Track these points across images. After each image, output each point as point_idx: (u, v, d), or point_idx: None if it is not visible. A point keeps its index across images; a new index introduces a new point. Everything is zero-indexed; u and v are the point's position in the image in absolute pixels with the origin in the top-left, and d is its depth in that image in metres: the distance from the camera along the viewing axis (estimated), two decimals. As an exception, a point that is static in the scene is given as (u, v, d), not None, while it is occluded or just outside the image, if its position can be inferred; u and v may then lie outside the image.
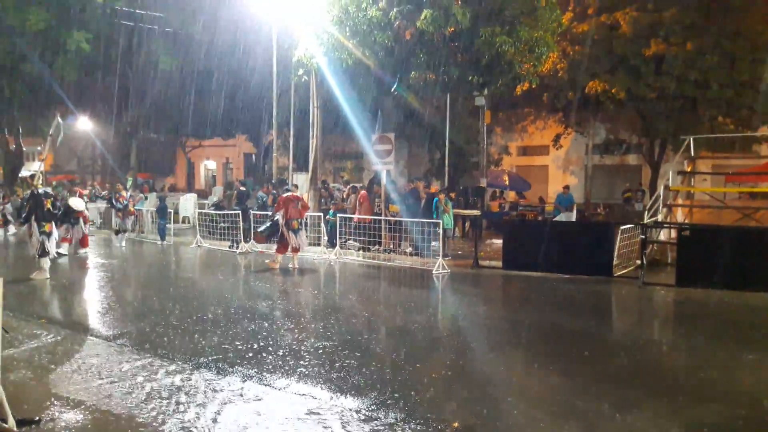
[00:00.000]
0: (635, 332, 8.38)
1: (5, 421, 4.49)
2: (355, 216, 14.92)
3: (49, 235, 11.35)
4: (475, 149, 22.76)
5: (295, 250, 13.13)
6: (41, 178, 13.65)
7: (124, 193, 18.61)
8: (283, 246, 13.11)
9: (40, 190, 11.66)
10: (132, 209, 18.42)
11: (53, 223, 11.73)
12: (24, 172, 32.60)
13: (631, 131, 25.08)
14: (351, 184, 18.90)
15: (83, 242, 15.06)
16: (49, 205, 11.51)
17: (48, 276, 11.14)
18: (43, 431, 4.54)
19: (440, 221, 13.36)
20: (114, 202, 18.18)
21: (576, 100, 21.88)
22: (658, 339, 8.12)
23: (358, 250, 14.73)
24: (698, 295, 10.23)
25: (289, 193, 13.59)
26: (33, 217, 11.31)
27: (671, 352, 7.19)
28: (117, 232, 17.88)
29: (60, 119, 12.66)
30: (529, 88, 18.45)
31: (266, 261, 13.51)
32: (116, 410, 4.98)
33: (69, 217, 14.45)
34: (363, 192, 15.84)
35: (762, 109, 19.68)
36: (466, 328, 8.15)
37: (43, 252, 11.24)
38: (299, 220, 13.21)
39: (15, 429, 4.32)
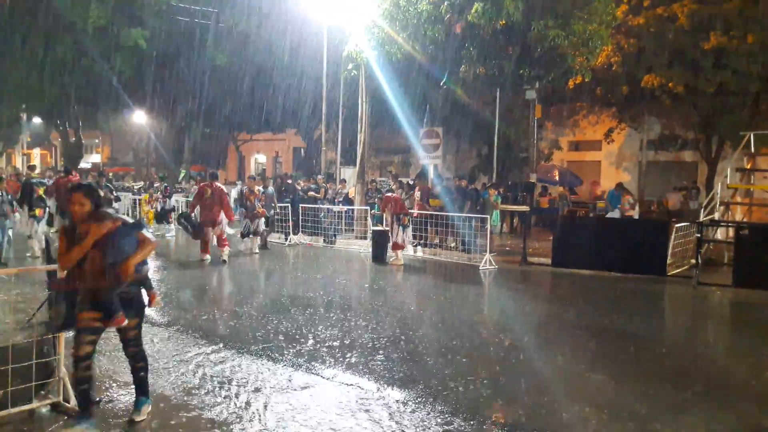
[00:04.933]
0: (689, 333, 8.16)
1: (68, 401, 4.71)
2: (416, 211, 14.80)
3: (38, 219, 12.46)
4: (525, 144, 22.44)
5: (398, 247, 13.20)
6: (37, 169, 14.40)
7: (257, 190, 14.79)
8: (396, 242, 13.24)
9: (33, 180, 13.24)
10: (262, 210, 14.53)
11: (45, 209, 12.78)
12: (83, 164, 33.80)
13: (687, 127, 24.28)
14: (408, 179, 18.90)
15: None
16: (41, 193, 12.74)
17: (39, 255, 11.84)
18: (102, 411, 4.73)
19: (487, 216, 13.24)
20: (245, 202, 14.51)
21: (630, 95, 21.35)
22: (714, 341, 7.90)
23: (415, 246, 14.60)
24: (756, 296, 9.86)
25: (392, 193, 13.90)
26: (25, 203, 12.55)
27: (727, 355, 6.98)
28: (243, 236, 14.63)
29: (23, 121, 13.51)
30: (582, 81, 18.08)
31: (391, 261, 13.13)
32: (169, 394, 5.15)
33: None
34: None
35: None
36: (514, 324, 8.08)
37: (30, 236, 12.47)
38: (409, 216, 13.45)
39: (77, 408, 4.52)
